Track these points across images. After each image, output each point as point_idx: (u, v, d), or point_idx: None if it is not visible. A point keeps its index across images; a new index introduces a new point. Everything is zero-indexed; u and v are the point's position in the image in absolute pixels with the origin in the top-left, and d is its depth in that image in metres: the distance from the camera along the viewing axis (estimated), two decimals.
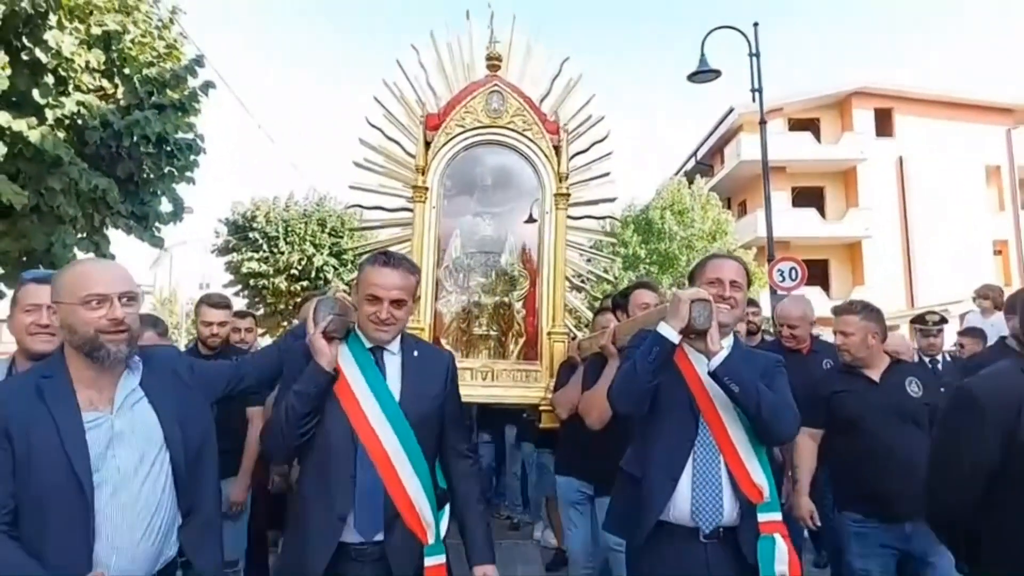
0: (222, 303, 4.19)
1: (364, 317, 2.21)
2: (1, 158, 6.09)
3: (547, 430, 3.88)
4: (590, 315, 4.83)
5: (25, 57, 6.00)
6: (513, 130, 3.95)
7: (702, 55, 11.80)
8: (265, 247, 19.10)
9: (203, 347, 4.12)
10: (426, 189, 3.83)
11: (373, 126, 4.28)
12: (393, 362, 2.27)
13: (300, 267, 19.10)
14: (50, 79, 6.39)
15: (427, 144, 3.89)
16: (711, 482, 2.24)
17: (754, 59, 11.97)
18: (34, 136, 6.07)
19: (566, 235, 4.04)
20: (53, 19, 5.99)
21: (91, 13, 6.47)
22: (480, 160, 4.11)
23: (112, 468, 1.81)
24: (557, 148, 3.94)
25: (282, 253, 19.06)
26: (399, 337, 2.31)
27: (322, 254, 19.46)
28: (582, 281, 4.89)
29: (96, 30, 6.50)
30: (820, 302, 22.67)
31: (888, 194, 25.95)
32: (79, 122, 6.57)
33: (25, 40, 5.94)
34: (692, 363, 2.36)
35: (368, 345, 2.25)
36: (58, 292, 1.87)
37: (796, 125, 26.67)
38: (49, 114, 6.25)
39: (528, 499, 6.54)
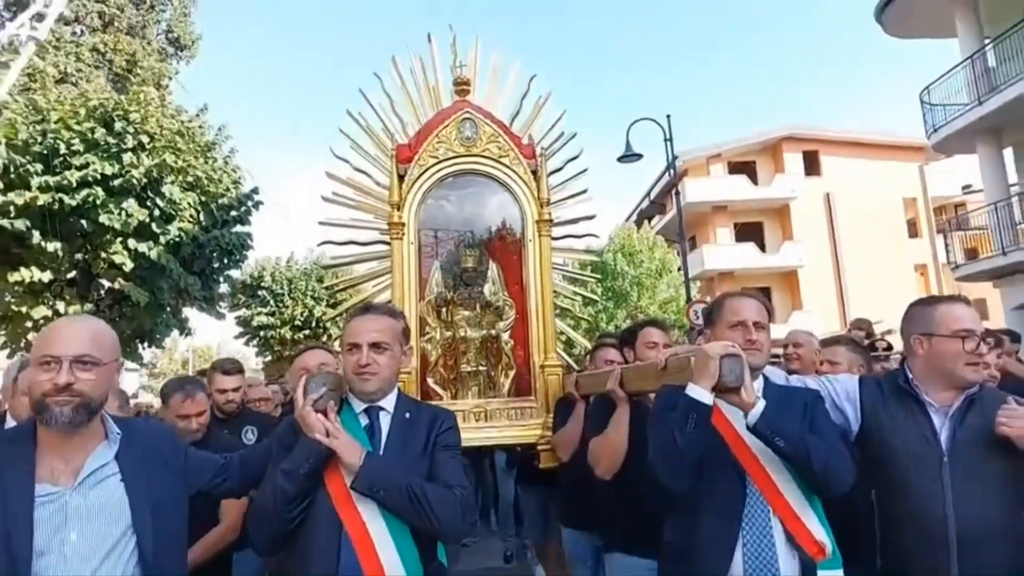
0: (235, 369, 4.00)
1: (349, 372, 2.10)
2: (130, 270, 9.16)
3: (530, 467, 3.72)
4: (581, 339, 4.72)
5: (149, 204, 9.08)
6: (489, 157, 3.77)
7: (627, 142, 14.92)
8: (272, 302, 22.12)
9: (219, 412, 3.81)
10: (403, 224, 3.62)
11: (340, 158, 4.14)
12: (386, 425, 2.11)
13: (303, 318, 22.13)
14: (157, 212, 9.45)
15: (400, 177, 3.67)
16: (762, 542, 2.05)
17: (667, 143, 15.20)
18: (152, 254, 9.19)
19: (551, 261, 3.86)
20: (168, 179, 9.12)
21: (189, 168, 9.61)
22: (454, 191, 3.96)
23: (60, 551, 1.59)
24: (535, 173, 3.79)
25: (287, 307, 22.15)
26: (395, 397, 2.17)
27: (321, 306, 22.42)
28: (571, 302, 4.72)
29: (190, 178, 9.62)
30: None
31: (819, 227, 28.74)
32: (178, 240, 9.63)
33: (149, 193, 9.03)
34: (727, 417, 2.16)
35: (359, 409, 2.11)
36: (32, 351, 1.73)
37: (734, 168, 29.73)
38: (162, 238, 9.34)
39: (520, 518, 5.90)
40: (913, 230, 29.88)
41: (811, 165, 29.58)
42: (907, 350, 2.36)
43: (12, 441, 1.72)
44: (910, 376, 2.28)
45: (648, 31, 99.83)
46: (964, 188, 28.22)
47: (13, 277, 8.86)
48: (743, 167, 29.76)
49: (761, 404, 2.02)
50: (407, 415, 2.14)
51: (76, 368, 1.67)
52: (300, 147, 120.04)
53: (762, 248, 29.32)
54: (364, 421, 2.11)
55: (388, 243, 3.76)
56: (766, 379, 2.29)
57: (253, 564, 3.19)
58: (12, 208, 8.45)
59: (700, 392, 2.01)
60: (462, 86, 4.02)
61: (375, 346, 2.09)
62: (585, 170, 4.39)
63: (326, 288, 19.15)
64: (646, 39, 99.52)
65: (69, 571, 1.59)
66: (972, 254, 16.81)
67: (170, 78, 15.40)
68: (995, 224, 14.53)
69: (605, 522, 3.13)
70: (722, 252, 28.80)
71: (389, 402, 2.15)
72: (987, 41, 14.67)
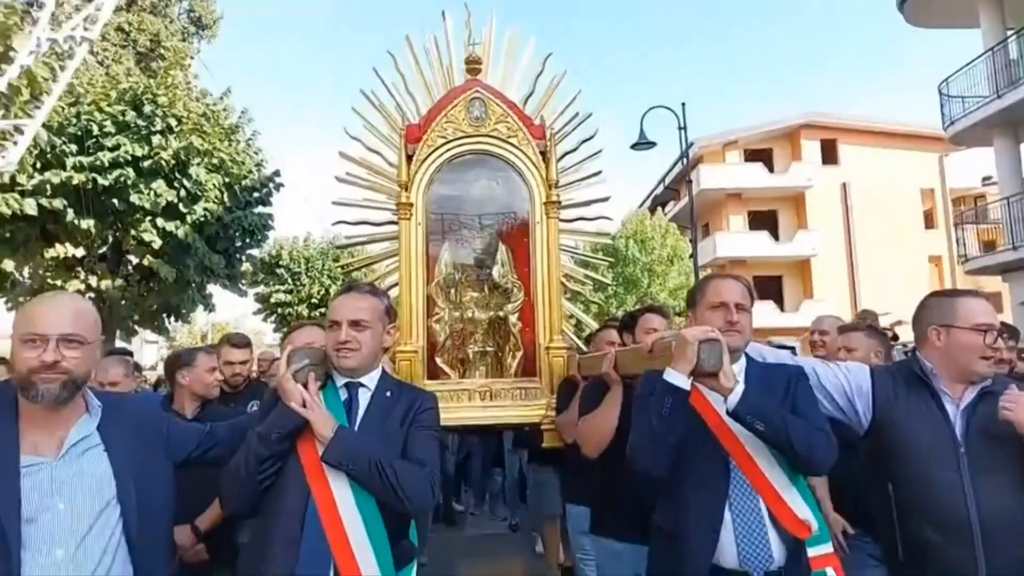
0: (243, 342, 4.07)
1: (330, 348, 2.13)
2: (158, 247, 9.51)
3: (539, 445, 3.73)
4: (591, 323, 4.66)
5: (176, 185, 9.42)
6: (497, 138, 3.76)
7: (641, 129, 14.98)
8: (289, 281, 22.53)
9: (226, 385, 3.80)
10: (411, 205, 3.63)
11: (353, 137, 4.13)
12: (365, 401, 2.14)
13: (319, 297, 22.52)
14: (184, 193, 9.78)
15: (409, 157, 3.68)
16: (754, 526, 2.07)
17: (682, 132, 15.28)
18: (180, 233, 9.54)
19: (559, 243, 3.85)
20: (195, 161, 9.44)
21: (214, 151, 9.93)
22: (463, 172, 3.90)
23: (48, 520, 1.64)
24: (544, 153, 3.76)
25: (304, 285, 22.57)
26: (378, 375, 2.21)
27: (337, 285, 22.85)
28: (581, 285, 4.65)
29: (215, 160, 9.94)
30: (773, 316, 25.81)
31: (834, 216, 28.51)
32: (203, 220, 9.97)
33: (177, 174, 9.35)
34: (710, 402, 2.17)
35: (340, 383, 2.15)
36: (13, 325, 1.76)
37: (750, 155, 29.59)
38: (188, 218, 9.69)
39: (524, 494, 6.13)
40: (930, 221, 29.61)
41: (829, 153, 29.35)
42: (921, 340, 2.34)
43: None
44: (927, 366, 2.28)
45: (664, 15, 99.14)
46: (984, 179, 27.72)
47: (49, 252, 9.43)
48: (759, 154, 29.57)
49: (740, 388, 2.01)
50: (388, 393, 2.18)
51: (62, 346, 1.71)
52: (299, 126, 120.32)
53: (776, 237, 29.13)
54: (344, 396, 2.15)
55: (398, 223, 3.76)
56: (749, 359, 2.29)
57: None
58: (48, 187, 8.92)
59: (677, 377, 2.02)
60: (473, 65, 4.00)
61: (355, 324, 2.12)
62: (600, 151, 4.34)
63: (341, 267, 19.48)
64: (662, 24, 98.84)
65: (57, 539, 1.64)
66: (989, 247, 16.78)
67: (191, 57, 15.69)
68: (1008, 218, 14.56)
69: (596, 505, 3.21)
70: (735, 240, 28.66)
71: (371, 379, 2.19)
72: (1010, 33, 14.57)
